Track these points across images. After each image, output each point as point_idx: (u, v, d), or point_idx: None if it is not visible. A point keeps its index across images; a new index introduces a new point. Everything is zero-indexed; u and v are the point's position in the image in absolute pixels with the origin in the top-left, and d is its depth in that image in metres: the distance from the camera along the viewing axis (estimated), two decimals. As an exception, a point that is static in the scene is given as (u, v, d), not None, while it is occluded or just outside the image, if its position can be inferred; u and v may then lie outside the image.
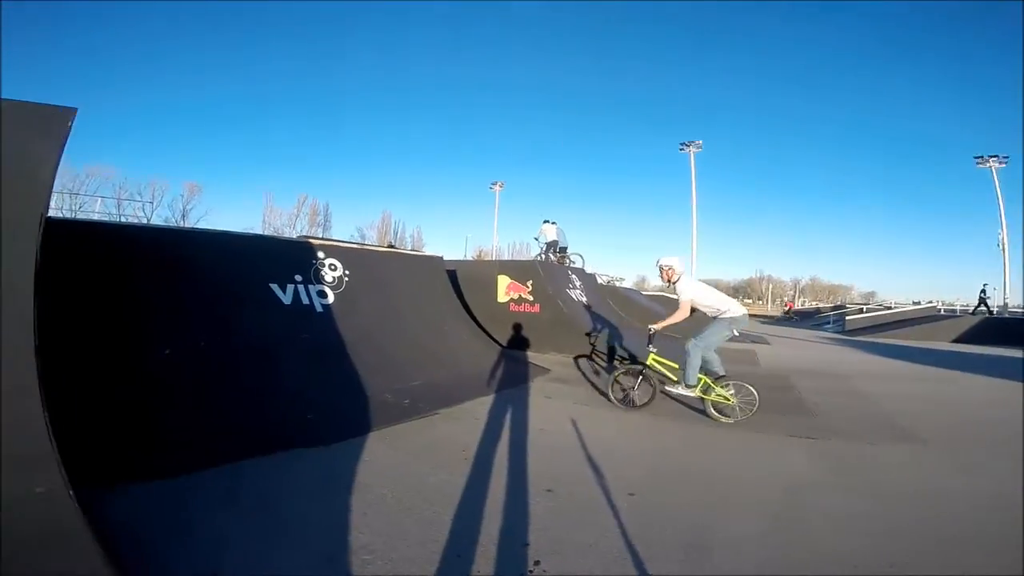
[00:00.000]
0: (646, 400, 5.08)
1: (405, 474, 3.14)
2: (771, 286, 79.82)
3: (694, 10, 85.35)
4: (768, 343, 13.42)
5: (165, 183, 38.90)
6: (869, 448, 4.22)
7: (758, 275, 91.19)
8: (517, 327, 8.52)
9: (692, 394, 4.84)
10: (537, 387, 5.87)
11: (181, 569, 2.06)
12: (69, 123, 2.89)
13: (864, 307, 32.57)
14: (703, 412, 4.88)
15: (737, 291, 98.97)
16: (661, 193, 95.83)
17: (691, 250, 33.05)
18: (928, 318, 22.42)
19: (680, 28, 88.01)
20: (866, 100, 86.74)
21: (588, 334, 8.33)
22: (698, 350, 4.75)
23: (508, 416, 4.61)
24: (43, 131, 2.81)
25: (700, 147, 33.30)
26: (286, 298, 5.13)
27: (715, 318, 4.83)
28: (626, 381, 5.36)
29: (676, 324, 4.91)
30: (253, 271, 5.07)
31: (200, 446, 3.21)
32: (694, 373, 4.78)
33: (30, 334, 2.54)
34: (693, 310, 4.88)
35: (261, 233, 26.02)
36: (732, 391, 4.75)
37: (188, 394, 3.75)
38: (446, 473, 3.20)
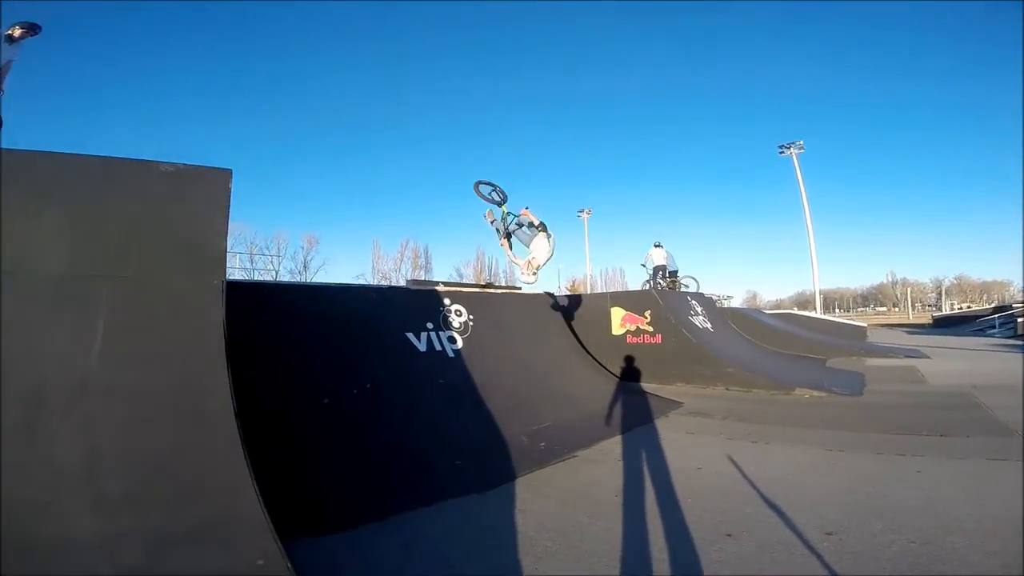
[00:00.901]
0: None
1: (564, 524, 3.01)
2: (908, 290, 69.95)
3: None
4: (927, 356, 11.64)
5: (286, 236, 41.24)
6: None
7: (890, 279, 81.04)
8: (636, 360, 8.21)
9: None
10: (674, 422, 5.53)
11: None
12: (229, 184, 2.91)
13: (1039, 304, 27.32)
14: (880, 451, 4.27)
15: (867, 299, 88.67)
16: (763, 200, 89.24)
17: (810, 258, 30.07)
18: None
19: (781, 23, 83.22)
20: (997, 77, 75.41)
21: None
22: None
23: (652, 455, 4.34)
24: (210, 194, 2.85)
25: (802, 148, 30.59)
26: (421, 345, 5.37)
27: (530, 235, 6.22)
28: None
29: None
30: (391, 321, 5.38)
31: (368, 497, 3.33)
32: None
33: (229, 399, 2.54)
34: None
35: (374, 282, 28.03)
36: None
37: (350, 443, 3.93)
38: (604, 520, 3.03)
